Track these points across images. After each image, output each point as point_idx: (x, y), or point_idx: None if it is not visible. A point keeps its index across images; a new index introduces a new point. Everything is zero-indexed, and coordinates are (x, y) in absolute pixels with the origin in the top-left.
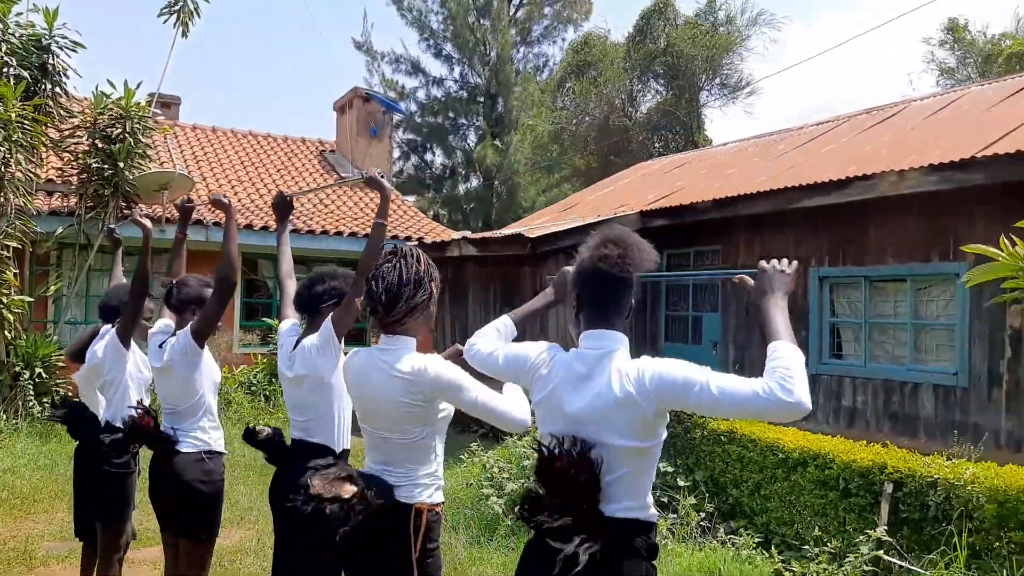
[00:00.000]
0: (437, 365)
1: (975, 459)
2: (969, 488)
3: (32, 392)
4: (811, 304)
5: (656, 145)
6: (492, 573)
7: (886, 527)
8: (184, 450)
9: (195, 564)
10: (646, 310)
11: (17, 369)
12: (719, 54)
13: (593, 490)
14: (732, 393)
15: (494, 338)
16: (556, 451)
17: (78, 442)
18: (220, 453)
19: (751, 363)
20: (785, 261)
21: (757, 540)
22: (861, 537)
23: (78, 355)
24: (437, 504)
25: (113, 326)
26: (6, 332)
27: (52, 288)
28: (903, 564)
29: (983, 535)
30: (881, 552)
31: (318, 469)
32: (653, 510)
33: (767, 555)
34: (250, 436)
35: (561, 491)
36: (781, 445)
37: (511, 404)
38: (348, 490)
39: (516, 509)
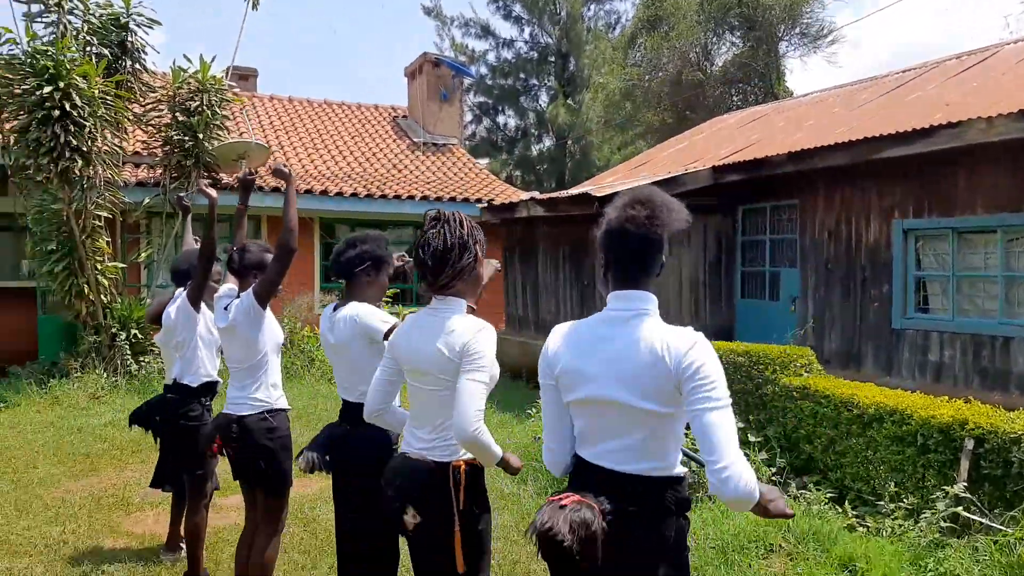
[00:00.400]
0: (476, 332)
1: None
2: None
3: (128, 352)
4: (895, 257)
5: (734, 99)
6: None
7: (965, 483)
8: (247, 413)
9: (271, 514)
10: (721, 266)
11: (114, 331)
12: (799, 2)
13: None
14: (719, 430)
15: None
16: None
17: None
18: (283, 410)
19: (831, 320)
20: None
21: (830, 496)
22: (938, 493)
23: (156, 318)
24: (474, 459)
25: (184, 289)
26: (102, 296)
27: (143, 255)
28: (983, 520)
29: None
30: (960, 508)
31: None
32: (680, 468)
33: (840, 510)
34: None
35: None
36: (856, 401)
37: (478, 417)
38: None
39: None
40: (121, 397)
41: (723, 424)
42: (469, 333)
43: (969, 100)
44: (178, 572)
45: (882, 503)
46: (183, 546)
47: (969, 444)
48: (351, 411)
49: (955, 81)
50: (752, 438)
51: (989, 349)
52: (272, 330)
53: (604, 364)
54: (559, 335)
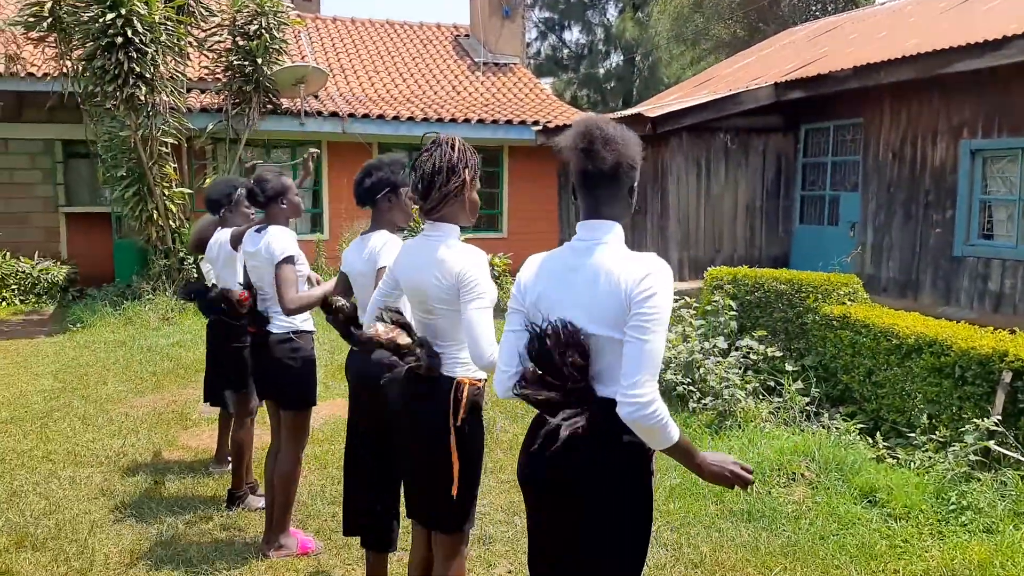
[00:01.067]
0: (467, 259)
1: None
2: None
3: (196, 275)
4: (960, 180)
5: (813, 8)
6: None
7: (999, 417)
8: (274, 331)
9: (294, 432)
10: (780, 189)
11: (183, 255)
12: None
13: (582, 367)
14: (642, 358)
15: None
16: (547, 329)
17: (209, 319)
18: (308, 331)
19: (890, 247)
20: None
21: (862, 426)
22: (968, 427)
23: (199, 246)
24: (480, 380)
25: (220, 215)
26: (171, 221)
27: (208, 180)
28: (1014, 455)
29: None
30: (992, 443)
31: (385, 318)
32: None
33: (871, 442)
34: (326, 308)
35: (552, 370)
36: (896, 331)
37: (492, 343)
38: (404, 339)
39: (513, 386)
40: (189, 318)
41: (650, 353)
42: (460, 262)
43: None
44: (225, 483)
45: (915, 435)
46: (230, 459)
47: (1007, 377)
48: None
49: None
50: (789, 367)
51: None
52: (298, 265)
53: (570, 293)
54: (533, 264)
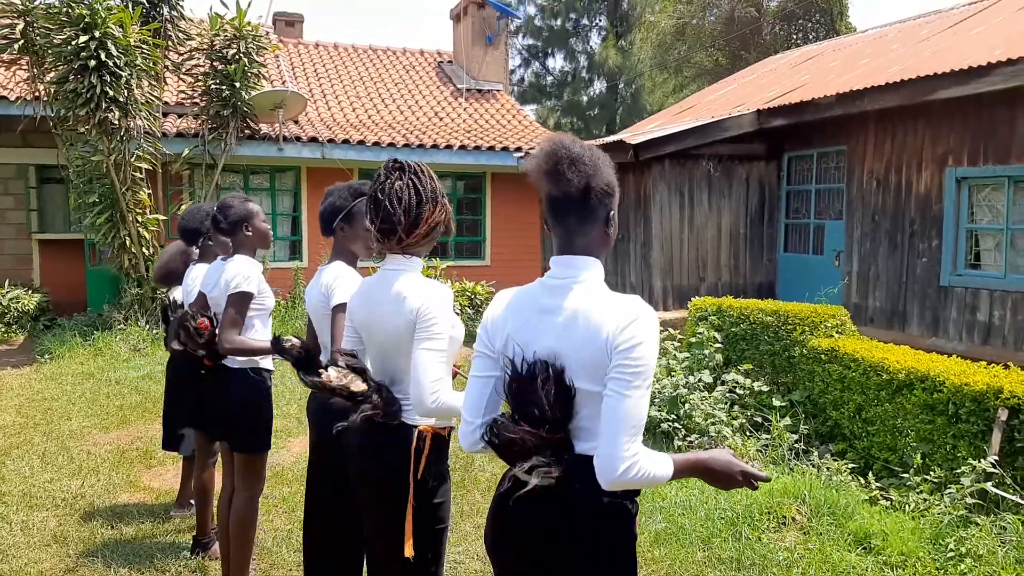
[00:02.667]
0: (428, 295)
1: None
2: None
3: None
4: (946, 208)
5: (794, 37)
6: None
7: (996, 457)
8: (230, 365)
9: (247, 475)
10: (764, 217)
11: (155, 283)
12: None
13: (566, 411)
14: (623, 416)
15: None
16: (533, 366)
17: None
18: (267, 369)
19: (876, 277)
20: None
21: (854, 466)
22: (965, 468)
23: (166, 278)
24: (443, 428)
25: (197, 246)
26: (144, 249)
27: (184, 207)
28: (1013, 498)
29: None
30: (989, 484)
31: (340, 362)
32: None
33: (863, 482)
34: (276, 345)
35: (528, 407)
36: (886, 365)
37: (435, 388)
38: (359, 386)
39: (480, 437)
40: (160, 349)
41: (631, 411)
42: (420, 298)
43: None
44: (188, 529)
45: (908, 475)
46: (193, 503)
47: (1003, 415)
48: None
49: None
50: (777, 402)
51: None
52: (261, 295)
53: (542, 337)
54: (501, 303)
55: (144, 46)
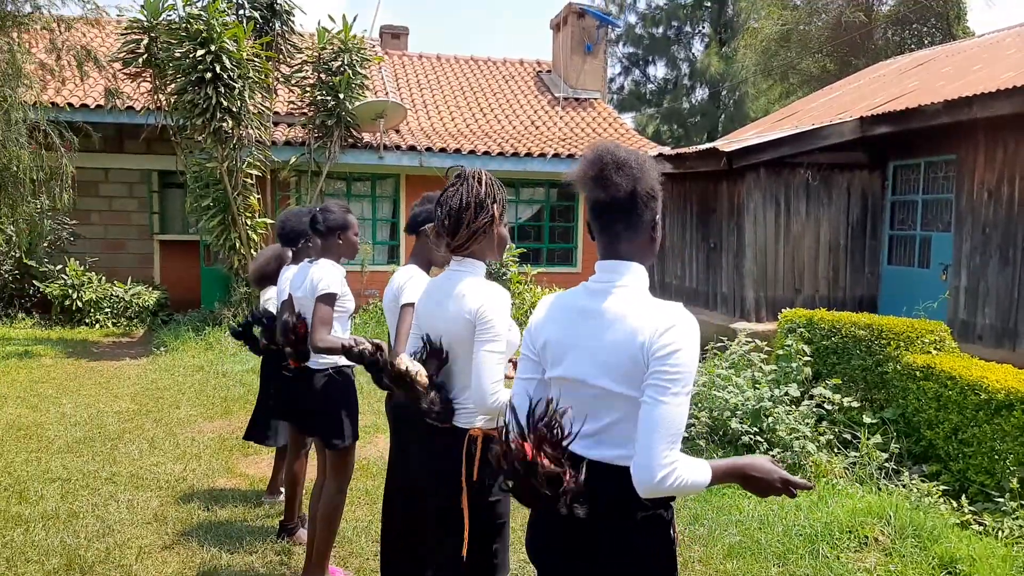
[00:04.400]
0: (487, 297)
1: None
2: None
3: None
4: None
5: (908, 42)
6: None
7: None
8: (315, 367)
9: (337, 467)
10: (866, 228)
11: (251, 285)
12: None
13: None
14: (660, 424)
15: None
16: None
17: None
18: (349, 366)
19: (986, 292)
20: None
21: (947, 488)
22: None
23: (261, 280)
24: (493, 429)
25: (295, 249)
26: (252, 250)
27: None
28: None
29: None
30: None
31: (417, 356)
32: None
33: (955, 505)
34: (347, 352)
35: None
36: (985, 384)
37: (497, 387)
38: (424, 379)
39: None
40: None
41: (669, 418)
42: (480, 299)
43: None
44: (276, 515)
45: (1004, 500)
46: (283, 490)
47: None
48: None
49: None
50: (867, 419)
51: None
52: (342, 300)
53: (582, 340)
54: (544, 307)
55: (256, 59)
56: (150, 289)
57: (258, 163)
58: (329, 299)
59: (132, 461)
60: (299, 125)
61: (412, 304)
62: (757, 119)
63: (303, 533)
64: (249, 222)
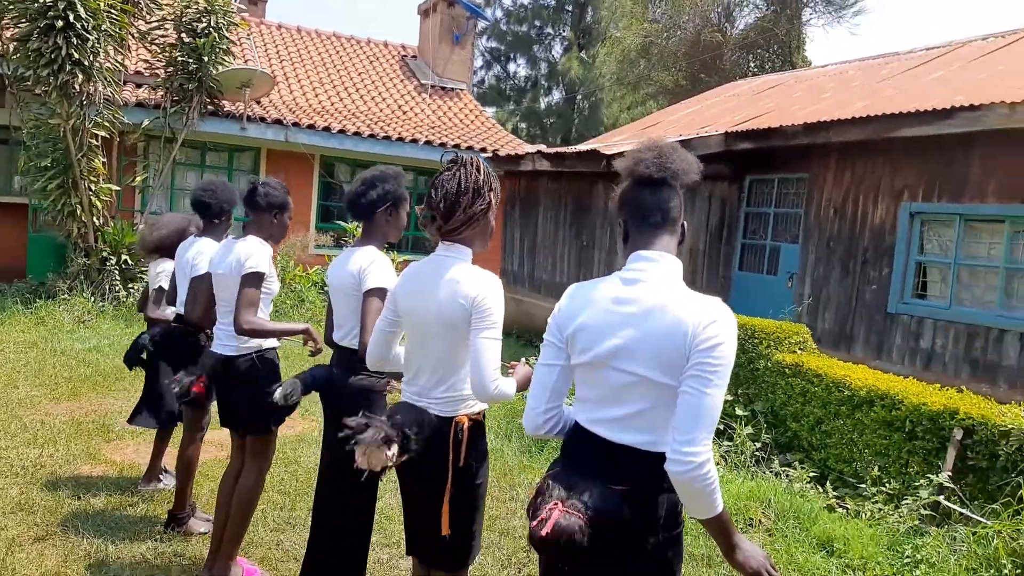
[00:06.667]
0: (484, 285)
1: None
2: None
3: (118, 277)
4: (898, 240)
5: (751, 65)
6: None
7: (950, 473)
8: (235, 354)
9: (258, 453)
10: (723, 235)
11: (104, 254)
12: None
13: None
14: (702, 411)
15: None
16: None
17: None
18: (272, 349)
19: (827, 300)
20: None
21: (812, 475)
22: (922, 481)
23: (157, 250)
24: (477, 413)
25: (215, 223)
26: (95, 218)
27: (139, 179)
28: (963, 511)
29: None
30: (941, 498)
31: (357, 436)
32: None
33: (821, 490)
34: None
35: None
36: (848, 383)
37: (497, 374)
38: (390, 456)
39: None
40: (107, 323)
41: (710, 408)
42: (477, 285)
43: (994, 83)
44: (156, 503)
45: (863, 486)
46: (162, 478)
47: (958, 434)
48: (345, 355)
49: (979, 64)
50: (739, 412)
51: (983, 340)
52: (268, 281)
53: (617, 328)
54: (574, 295)
55: (113, 11)
56: None
57: (107, 124)
58: (256, 279)
59: None
60: (155, 87)
61: (381, 289)
62: (609, 125)
63: (195, 523)
64: (93, 187)
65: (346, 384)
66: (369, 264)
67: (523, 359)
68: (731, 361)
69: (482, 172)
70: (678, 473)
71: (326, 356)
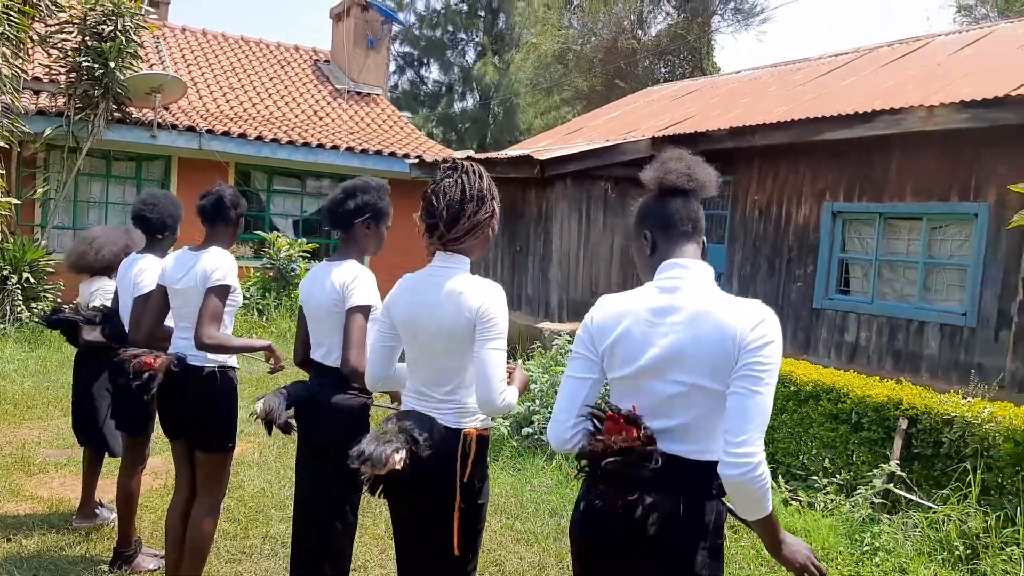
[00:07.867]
0: (488, 295)
1: (988, 399)
2: (986, 427)
3: (20, 297)
4: (822, 238)
5: (662, 70)
6: (499, 492)
7: (897, 462)
8: (197, 364)
9: (213, 478)
10: None
11: (4, 273)
12: None
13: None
14: (755, 411)
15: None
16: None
17: (78, 350)
18: (233, 368)
19: (754, 297)
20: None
21: None
22: (874, 471)
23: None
24: (485, 428)
25: (157, 238)
26: None
27: (39, 191)
28: (913, 497)
29: (995, 473)
30: (891, 485)
31: (363, 454)
32: None
33: (774, 484)
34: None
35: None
36: (793, 378)
37: (504, 386)
38: (396, 461)
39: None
40: (10, 346)
41: (762, 407)
42: (481, 297)
43: (907, 88)
44: (96, 540)
45: (814, 479)
46: (99, 512)
47: (903, 424)
48: (327, 374)
49: (888, 69)
50: None
51: (904, 332)
52: (234, 294)
53: (662, 337)
54: (610, 305)
55: (11, 13)
56: None
57: (6, 133)
58: (223, 291)
59: None
60: (55, 93)
61: (366, 307)
62: (524, 130)
63: (143, 559)
64: None
65: (330, 404)
66: (352, 280)
67: (518, 362)
68: (779, 360)
69: (485, 179)
70: (734, 476)
71: (288, 376)
